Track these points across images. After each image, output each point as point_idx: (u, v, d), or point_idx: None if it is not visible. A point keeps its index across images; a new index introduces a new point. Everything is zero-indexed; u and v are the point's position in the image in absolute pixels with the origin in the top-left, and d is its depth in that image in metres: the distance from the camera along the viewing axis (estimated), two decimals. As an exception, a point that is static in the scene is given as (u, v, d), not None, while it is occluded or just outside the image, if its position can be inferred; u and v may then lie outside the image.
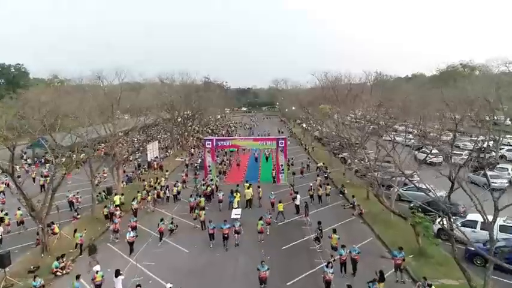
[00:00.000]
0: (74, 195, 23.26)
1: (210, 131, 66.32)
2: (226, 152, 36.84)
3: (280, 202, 20.64)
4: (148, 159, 37.56)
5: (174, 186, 25.76)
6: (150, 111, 33.77)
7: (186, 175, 30.11)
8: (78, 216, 21.42)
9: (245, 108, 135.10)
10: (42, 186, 28.27)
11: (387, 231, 18.61)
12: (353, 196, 23.16)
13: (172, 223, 19.06)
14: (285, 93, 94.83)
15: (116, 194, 23.30)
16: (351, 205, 22.95)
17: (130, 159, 38.20)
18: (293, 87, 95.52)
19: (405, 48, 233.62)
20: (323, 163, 32.29)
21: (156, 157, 37.44)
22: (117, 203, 21.78)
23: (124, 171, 33.63)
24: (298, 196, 21.83)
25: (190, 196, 22.18)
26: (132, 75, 27.91)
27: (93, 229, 19.54)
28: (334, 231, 16.21)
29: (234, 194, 22.39)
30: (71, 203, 22.90)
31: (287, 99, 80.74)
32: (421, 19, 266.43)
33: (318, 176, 29.56)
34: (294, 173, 26.85)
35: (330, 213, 22.13)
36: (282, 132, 59.79)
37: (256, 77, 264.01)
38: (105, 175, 30.61)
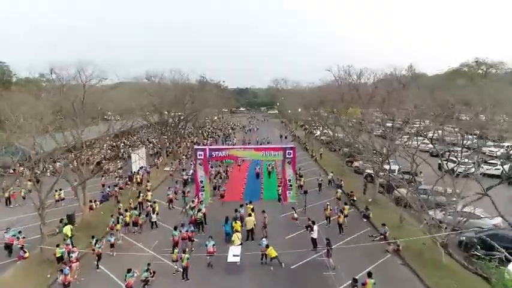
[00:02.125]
0: (13, 236, 16.94)
1: (206, 134, 61.12)
2: (223, 162, 31.73)
3: (267, 246, 15.02)
4: (133, 170, 32.38)
5: (151, 206, 20.73)
6: (132, 113, 28.35)
7: (176, 192, 24.92)
8: (26, 254, 16.24)
9: (243, 109, 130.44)
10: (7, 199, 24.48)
11: (442, 280, 13.57)
12: (383, 224, 18.12)
13: (148, 270, 13.90)
14: (285, 93, 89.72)
15: (66, 224, 17.89)
16: (381, 236, 17.97)
17: (111, 169, 33.02)
18: (293, 87, 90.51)
19: (404, 48, 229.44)
20: (340, 179, 27.20)
21: (141, 167, 32.18)
22: (69, 234, 16.69)
23: (103, 185, 28.47)
24: (316, 227, 16.76)
25: (175, 228, 16.93)
26: (105, 72, 22.58)
27: (39, 278, 14.39)
28: (370, 275, 12.17)
29: (233, 224, 17.29)
30: (8, 246, 16.66)
31: (288, 99, 75.67)
32: (420, 20, 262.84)
33: (337, 187, 24.67)
34: (306, 191, 21.82)
35: (355, 248, 17.07)
36: (286, 137, 54.41)
37: (255, 77, 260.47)
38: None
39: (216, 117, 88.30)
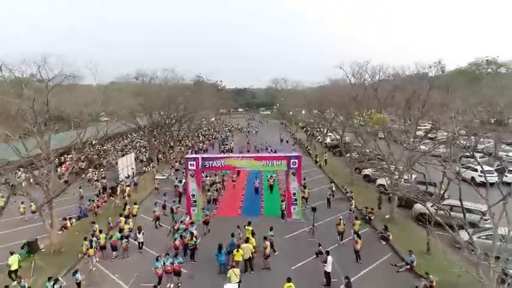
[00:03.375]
0: None
1: (202, 136, 58.01)
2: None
3: (289, 280, 11.95)
4: (120, 178, 29.28)
5: (125, 223, 17.94)
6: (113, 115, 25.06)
7: (164, 207, 21.89)
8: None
9: (242, 109, 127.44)
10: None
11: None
12: (410, 252, 15.10)
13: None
14: (285, 93, 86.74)
15: (13, 252, 14.67)
16: (407, 265, 14.97)
17: (96, 178, 29.86)
18: (293, 86, 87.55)
19: (404, 48, 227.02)
20: (350, 191, 24.07)
21: (127, 176, 29.05)
22: (14, 267, 13.65)
23: (81, 197, 25.35)
24: (330, 258, 13.72)
25: (157, 259, 13.80)
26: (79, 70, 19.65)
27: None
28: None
29: (234, 252, 14.17)
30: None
31: (289, 100, 72.66)
32: (420, 20, 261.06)
33: (351, 199, 21.78)
34: (314, 208, 18.75)
35: (377, 283, 14.06)
36: (287, 142, 51.11)
37: (255, 77, 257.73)
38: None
39: (213, 119, 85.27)
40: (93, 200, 22.02)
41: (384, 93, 20.07)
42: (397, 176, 19.97)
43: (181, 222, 17.83)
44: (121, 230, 17.54)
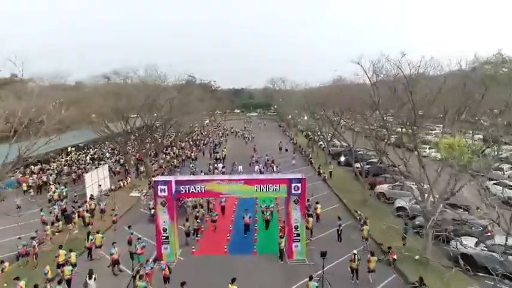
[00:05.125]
0: None
1: (191, 142, 53.03)
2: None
3: None
4: (88, 197, 24.36)
5: (66, 262, 14.01)
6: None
7: (130, 242, 16.95)
8: None
9: (238, 111, 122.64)
10: None
11: None
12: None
13: None
14: (283, 93, 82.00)
15: None
16: None
17: (56, 197, 24.86)
18: (292, 87, 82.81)
19: (405, 48, 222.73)
20: (365, 217, 19.06)
21: (91, 197, 24.04)
22: None
23: (43, 222, 20.29)
24: None
25: None
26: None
27: None
28: None
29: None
30: None
31: (288, 101, 67.83)
32: (420, 20, 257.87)
33: (364, 223, 17.46)
34: (324, 254, 13.77)
35: None
36: (287, 150, 45.52)
37: (254, 77, 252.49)
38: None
39: (207, 121, 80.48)
40: (33, 238, 16.52)
41: (418, 94, 15.25)
42: (433, 201, 15.25)
43: (139, 277, 12.72)
44: (60, 282, 12.99)
